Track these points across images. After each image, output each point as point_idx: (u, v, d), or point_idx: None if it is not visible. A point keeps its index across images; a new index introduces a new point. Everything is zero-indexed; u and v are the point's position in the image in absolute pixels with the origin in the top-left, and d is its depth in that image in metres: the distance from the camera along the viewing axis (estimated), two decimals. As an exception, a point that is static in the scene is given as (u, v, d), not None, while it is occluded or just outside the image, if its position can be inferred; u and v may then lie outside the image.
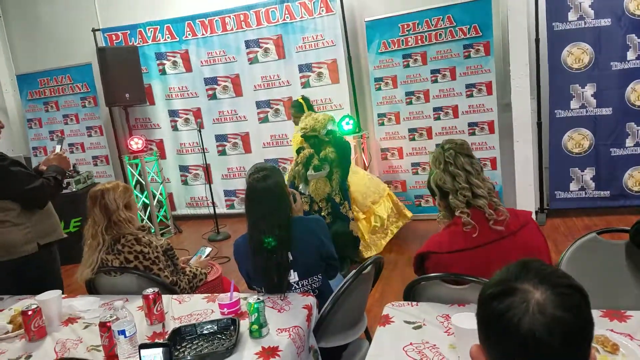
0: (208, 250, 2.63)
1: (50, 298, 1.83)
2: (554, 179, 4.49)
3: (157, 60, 5.57)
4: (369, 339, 2.00)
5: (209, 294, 1.94)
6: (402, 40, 4.73)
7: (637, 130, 4.19)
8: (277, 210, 1.83)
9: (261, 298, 1.52)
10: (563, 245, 3.92)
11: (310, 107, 4.29)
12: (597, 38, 4.12)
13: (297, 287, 1.84)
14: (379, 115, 4.98)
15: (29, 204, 2.33)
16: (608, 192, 4.34)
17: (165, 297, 1.88)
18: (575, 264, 1.74)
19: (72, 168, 4.97)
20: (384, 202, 4.19)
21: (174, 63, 5.55)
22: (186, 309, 1.82)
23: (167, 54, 5.53)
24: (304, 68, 5.12)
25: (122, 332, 1.49)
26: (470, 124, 4.72)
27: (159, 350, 1.29)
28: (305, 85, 5.15)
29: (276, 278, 1.78)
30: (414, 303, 1.60)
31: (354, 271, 1.73)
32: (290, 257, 1.82)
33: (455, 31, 4.57)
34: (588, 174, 4.37)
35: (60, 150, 2.58)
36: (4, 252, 2.28)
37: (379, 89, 4.91)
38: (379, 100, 4.94)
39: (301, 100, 4.27)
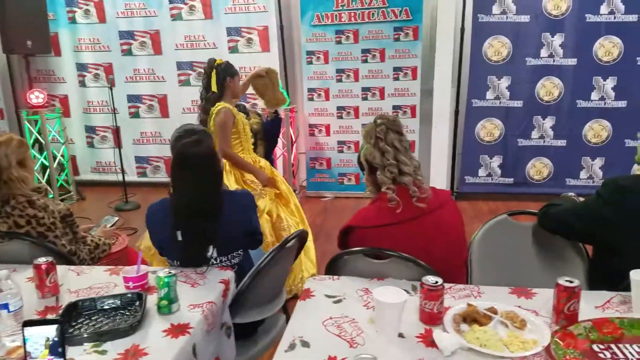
0: (114, 219, 2.41)
1: None
2: (465, 165, 4.75)
3: (67, 7, 5.06)
4: (287, 314, 1.96)
5: (113, 267, 1.75)
6: (336, 15, 4.66)
7: (542, 124, 4.54)
8: (209, 181, 1.69)
9: (173, 272, 1.39)
10: (469, 226, 4.12)
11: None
12: (516, 33, 4.36)
13: (215, 262, 1.73)
14: (309, 90, 4.90)
15: None
16: (512, 179, 4.69)
17: (62, 268, 1.67)
18: (486, 242, 1.83)
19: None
20: None
21: (86, 12, 5.05)
22: (85, 281, 1.63)
23: (79, 1, 5.02)
24: (233, 32, 4.87)
25: (5, 306, 1.28)
26: (394, 107, 4.81)
27: (50, 328, 1.12)
28: (234, 50, 4.91)
29: (195, 252, 1.65)
30: (335, 277, 1.57)
31: (277, 244, 1.66)
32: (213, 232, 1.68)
33: (387, 12, 4.58)
34: (496, 161, 4.68)
35: None
36: None
37: (310, 62, 4.81)
38: (309, 75, 4.86)
39: None
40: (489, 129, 4.63)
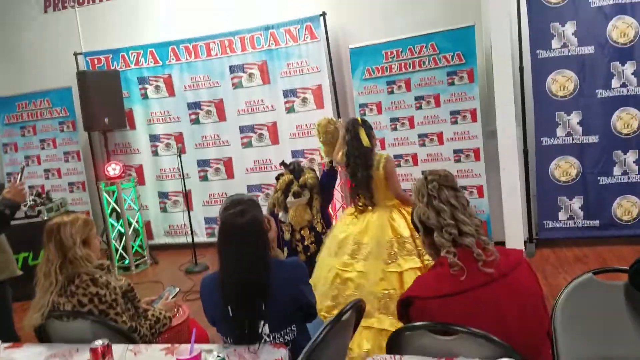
0: (175, 290, 2.42)
1: (-16, 351, 1.61)
2: (542, 208, 4.39)
3: (140, 85, 5.50)
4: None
5: (168, 345, 1.73)
6: (386, 67, 4.68)
7: (624, 159, 4.13)
8: (255, 253, 1.63)
9: (221, 355, 1.34)
10: (553, 277, 3.81)
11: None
12: (581, 66, 4.10)
13: (268, 339, 1.65)
14: (364, 141, 4.87)
15: None
16: (597, 221, 4.23)
17: (120, 347, 1.68)
18: (571, 309, 1.57)
19: (26, 200, 4.68)
20: None
21: (157, 87, 5.47)
22: (142, 361, 1.63)
23: (150, 78, 5.46)
24: (289, 93, 5.05)
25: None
26: (455, 151, 4.63)
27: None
28: (290, 110, 5.06)
29: (246, 329, 1.59)
30: (397, 356, 1.42)
31: (331, 318, 1.56)
32: (263, 307, 1.62)
33: (438, 58, 4.52)
34: (576, 202, 4.28)
35: (20, 181, 2.41)
36: None
37: (364, 114, 4.82)
38: (363, 126, 4.85)
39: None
40: (565, 168, 4.29)
